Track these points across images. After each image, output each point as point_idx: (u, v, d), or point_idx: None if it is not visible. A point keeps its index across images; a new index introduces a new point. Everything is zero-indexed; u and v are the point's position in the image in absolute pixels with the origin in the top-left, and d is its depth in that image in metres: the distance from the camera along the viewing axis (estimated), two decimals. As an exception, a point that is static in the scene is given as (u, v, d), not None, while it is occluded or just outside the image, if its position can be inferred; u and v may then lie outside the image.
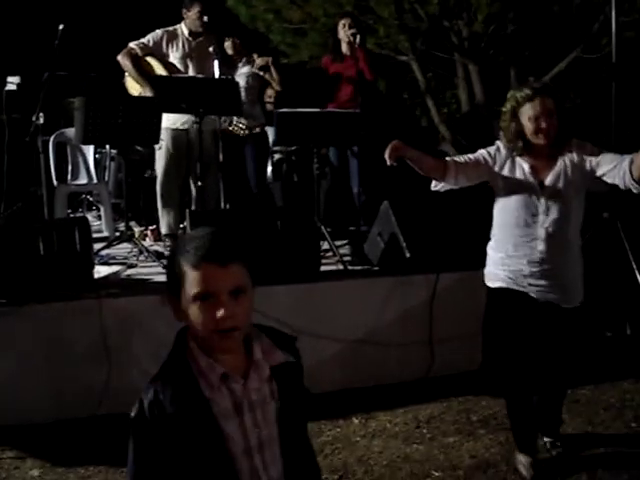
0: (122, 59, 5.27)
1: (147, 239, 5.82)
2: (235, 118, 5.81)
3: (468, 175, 3.34)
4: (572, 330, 3.38)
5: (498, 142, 3.35)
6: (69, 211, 6.57)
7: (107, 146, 6.50)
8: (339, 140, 5.25)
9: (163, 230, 5.45)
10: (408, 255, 4.39)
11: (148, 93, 5.19)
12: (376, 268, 4.69)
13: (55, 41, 5.35)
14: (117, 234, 5.81)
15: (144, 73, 5.24)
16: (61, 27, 5.35)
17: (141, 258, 5.06)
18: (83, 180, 6.64)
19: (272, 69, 5.94)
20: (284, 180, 6.71)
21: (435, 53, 8.62)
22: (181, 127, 5.28)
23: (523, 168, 3.26)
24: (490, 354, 3.54)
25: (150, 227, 5.92)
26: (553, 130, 3.19)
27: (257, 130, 5.90)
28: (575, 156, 3.25)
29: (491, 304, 3.44)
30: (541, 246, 3.24)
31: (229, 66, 5.84)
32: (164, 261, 4.88)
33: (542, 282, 3.28)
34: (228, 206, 5.73)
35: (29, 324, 4.08)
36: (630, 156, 3.12)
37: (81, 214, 6.89)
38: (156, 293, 4.31)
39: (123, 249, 5.27)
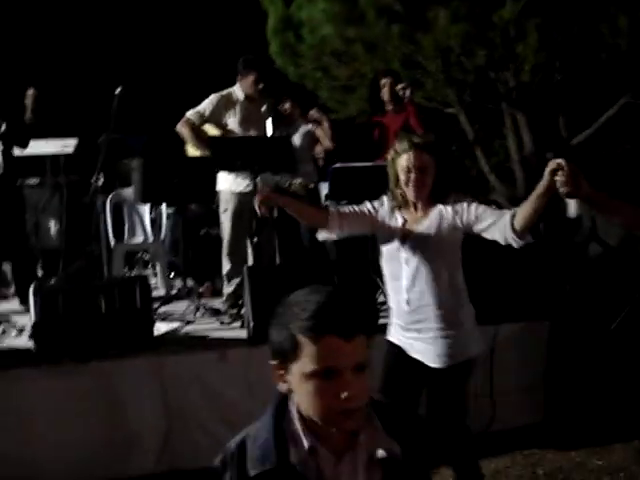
0: (181, 129, 5.38)
1: (203, 296, 5.87)
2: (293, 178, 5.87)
3: (352, 225, 3.39)
4: (444, 391, 3.27)
5: (384, 196, 3.42)
6: (125, 269, 6.68)
7: (163, 205, 6.63)
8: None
9: (230, 289, 5.47)
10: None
11: None
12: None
13: (112, 104, 5.51)
14: (173, 291, 5.90)
15: (202, 140, 5.33)
16: (118, 91, 5.51)
17: (198, 315, 5.12)
18: (140, 238, 6.77)
19: (325, 124, 5.99)
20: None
21: (482, 104, 8.65)
22: (245, 190, 5.34)
23: (397, 221, 3.33)
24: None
25: (206, 284, 5.99)
26: (423, 185, 3.21)
27: (311, 186, 5.95)
28: (450, 210, 3.23)
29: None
30: (405, 297, 3.29)
31: (287, 125, 5.91)
32: (222, 318, 4.95)
33: (410, 335, 3.31)
34: (283, 262, 5.76)
35: (91, 381, 4.14)
36: (511, 211, 3.09)
37: (137, 272, 7.00)
38: (214, 349, 4.37)
39: (180, 306, 5.34)
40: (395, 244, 3.30)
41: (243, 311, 4.85)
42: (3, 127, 5.38)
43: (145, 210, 6.69)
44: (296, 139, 5.83)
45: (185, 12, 9.18)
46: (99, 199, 5.95)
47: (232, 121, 5.43)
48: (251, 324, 4.32)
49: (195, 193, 5.09)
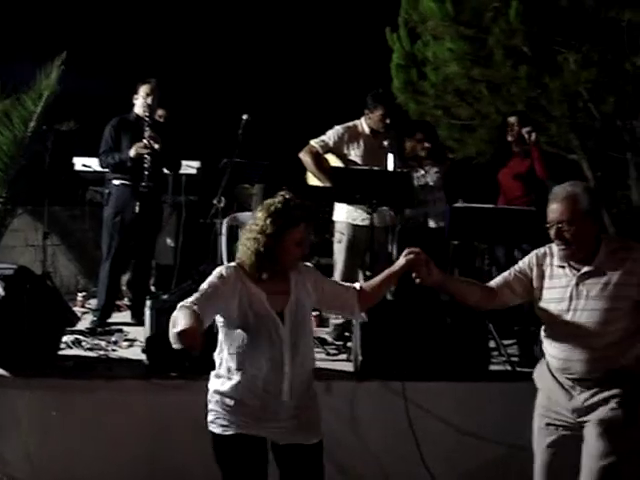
0: (303, 156, 5.45)
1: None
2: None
3: (212, 314, 2.91)
4: (320, 464, 3.09)
5: (223, 268, 3.00)
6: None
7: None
8: (511, 237, 5.16)
9: (338, 321, 5.45)
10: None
11: None
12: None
13: (238, 130, 5.63)
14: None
15: (324, 169, 5.39)
16: (245, 117, 5.63)
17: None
18: (251, 263, 6.82)
19: None
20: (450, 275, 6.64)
21: (606, 152, 8.41)
22: (361, 223, 5.35)
23: (259, 296, 2.92)
24: None
25: (313, 313, 5.98)
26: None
27: (437, 225, 5.88)
28: (306, 281, 3.04)
29: (222, 455, 3.02)
30: (287, 388, 2.94)
31: (416, 162, 5.87)
32: (328, 348, 4.94)
33: (285, 424, 2.98)
34: (396, 299, 5.71)
35: (198, 397, 4.17)
36: (355, 287, 3.15)
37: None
38: (319, 380, 4.34)
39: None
40: (270, 326, 2.90)
41: (349, 344, 4.84)
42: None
43: (259, 235, 6.78)
44: (429, 178, 5.80)
45: (310, 43, 9.36)
46: (219, 221, 6.07)
47: (355, 153, 5.46)
48: (359, 358, 4.29)
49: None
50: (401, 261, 3.14)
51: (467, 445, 4.26)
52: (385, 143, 5.48)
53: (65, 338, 4.86)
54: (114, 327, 5.54)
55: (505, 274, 3.33)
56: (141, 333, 4.72)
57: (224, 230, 6.49)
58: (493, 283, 3.33)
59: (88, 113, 6.10)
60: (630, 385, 3.19)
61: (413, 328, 4.30)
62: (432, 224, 5.88)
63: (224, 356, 3.00)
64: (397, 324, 4.31)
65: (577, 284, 3.16)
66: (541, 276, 3.25)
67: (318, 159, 5.43)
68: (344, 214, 5.41)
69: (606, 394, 3.15)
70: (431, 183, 5.81)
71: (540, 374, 3.39)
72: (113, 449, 4.18)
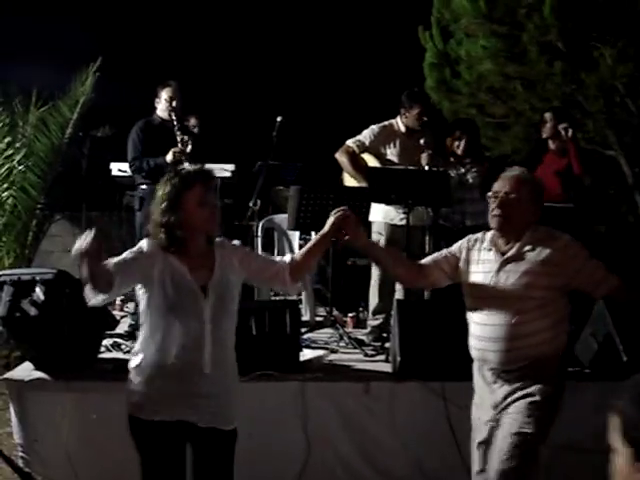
0: (340, 156, 5.44)
1: (346, 326, 5.87)
2: None
3: (129, 281, 2.86)
4: (232, 452, 3.01)
5: (144, 242, 2.95)
6: (272, 293, 6.79)
7: (312, 232, 6.71)
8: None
9: (375, 322, 5.42)
10: (625, 359, 4.12)
11: None
12: (587, 371, 4.43)
13: (273, 132, 5.65)
14: (317, 319, 5.93)
15: (360, 169, 5.37)
16: (279, 119, 5.65)
17: (341, 344, 5.11)
18: (287, 264, 6.84)
19: None
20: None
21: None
22: (400, 223, 5.32)
23: (181, 269, 2.86)
24: None
25: (350, 314, 5.99)
26: (218, 220, 2.94)
27: (473, 224, 5.83)
28: (232, 257, 2.97)
29: (144, 441, 2.95)
30: (208, 362, 2.87)
31: (452, 163, 5.81)
32: (366, 349, 4.92)
33: (208, 403, 2.89)
34: (433, 298, 5.67)
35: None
36: (285, 260, 3.06)
37: (282, 297, 7.10)
38: (358, 381, 4.34)
39: (323, 334, 5.36)
40: (192, 299, 2.86)
41: (387, 344, 4.81)
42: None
43: (295, 236, 6.79)
44: (469, 176, 5.75)
45: (343, 44, 9.36)
46: (256, 223, 6.10)
47: (391, 152, 5.44)
48: (398, 359, 4.26)
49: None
50: (330, 220, 3.11)
51: (508, 446, 4.20)
52: (421, 142, 5.45)
53: (104, 341, 4.90)
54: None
55: (436, 254, 3.41)
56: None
57: (260, 232, 6.53)
58: (424, 261, 3.40)
59: (123, 118, 6.15)
60: (549, 380, 3.19)
61: (451, 327, 4.25)
62: (468, 222, 5.82)
63: (145, 329, 2.93)
64: (435, 324, 4.28)
65: (498, 270, 3.16)
66: (468, 261, 3.29)
67: (354, 159, 5.41)
68: (381, 214, 5.39)
69: (525, 391, 3.15)
70: (471, 181, 5.76)
71: (474, 369, 3.39)
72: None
